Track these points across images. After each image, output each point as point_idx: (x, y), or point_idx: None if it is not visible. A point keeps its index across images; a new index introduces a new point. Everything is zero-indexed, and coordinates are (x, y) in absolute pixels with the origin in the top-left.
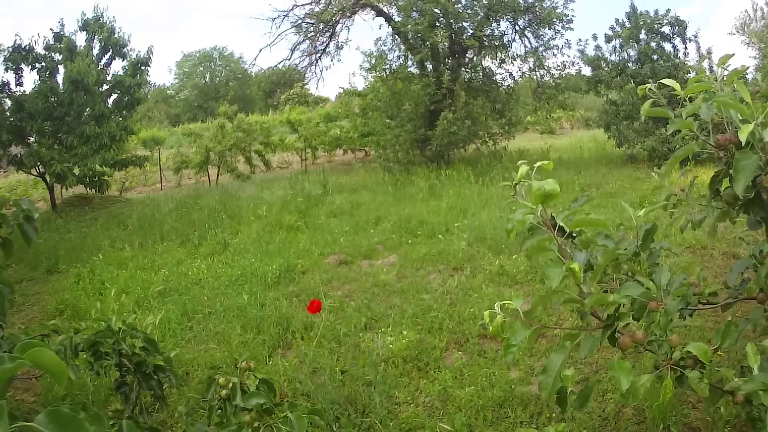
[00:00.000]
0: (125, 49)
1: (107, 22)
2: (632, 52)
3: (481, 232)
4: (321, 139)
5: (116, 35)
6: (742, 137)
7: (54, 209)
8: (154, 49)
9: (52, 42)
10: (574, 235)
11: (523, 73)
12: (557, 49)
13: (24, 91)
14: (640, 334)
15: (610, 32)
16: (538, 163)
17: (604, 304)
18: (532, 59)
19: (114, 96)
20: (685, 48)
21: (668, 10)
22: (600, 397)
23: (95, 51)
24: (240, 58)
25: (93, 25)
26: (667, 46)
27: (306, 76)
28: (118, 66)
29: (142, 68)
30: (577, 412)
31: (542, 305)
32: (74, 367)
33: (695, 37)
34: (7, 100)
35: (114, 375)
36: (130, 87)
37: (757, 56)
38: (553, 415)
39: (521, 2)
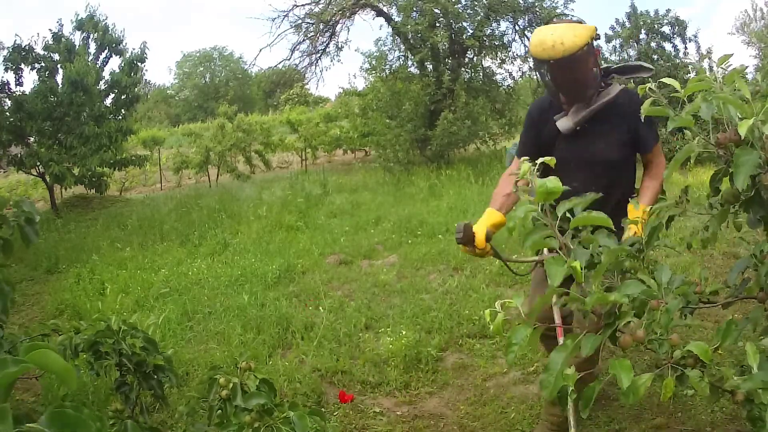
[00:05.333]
0: (121, 45)
1: (101, 21)
2: (632, 52)
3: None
4: (321, 139)
5: (110, 32)
6: (742, 131)
7: (54, 209)
8: (148, 45)
9: (51, 42)
10: (580, 229)
11: (523, 73)
12: None
13: (24, 91)
14: (641, 332)
15: (610, 32)
16: (540, 160)
17: (605, 303)
18: (532, 59)
19: (112, 96)
20: (685, 48)
21: (668, 10)
22: (605, 399)
23: (92, 50)
24: (240, 58)
25: (87, 24)
26: (667, 46)
27: (306, 76)
28: (115, 64)
29: (138, 65)
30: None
31: (543, 303)
32: (75, 367)
33: (695, 37)
34: (7, 100)
35: (114, 375)
36: (126, 87)
37: (758, 56)
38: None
39: (521, 2)
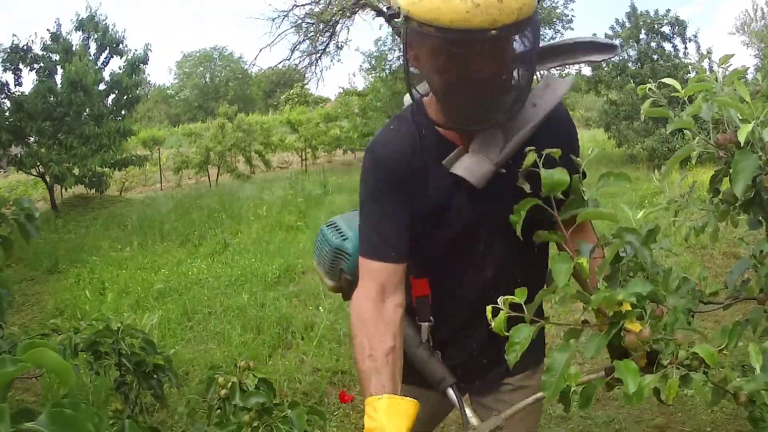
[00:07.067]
0: (121, 45)
1: (101, 21)
2: (632, 52)
3: None
4: (321, 139)
5: (111, 32)
6: (741, 137)
7: (54, 209)
8: (152, 47)
9: (49, 42)
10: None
11: None
12: None
13: (23, 91)
14: (647, 331)
15: (610, 32)
16: (546, 151)
17: (612, 303)
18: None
19: (112, 96)
20: (685, 48)
21: (668, 10)
22: (605, 399)
23: (92, 51)
24: (240, 58)
25: (88, 25)
26: (667, 46)
27: (306, 76)
28: (116, 64)
29: (140, 66)
30: (579, 411)
31: (544, 300)
32: (74, 366)
33: (695, 37)
34: (6, 100)
35: (114, 375)
36: (127, 87)
37: (757, 56)
38: (554, 414)
39: None
